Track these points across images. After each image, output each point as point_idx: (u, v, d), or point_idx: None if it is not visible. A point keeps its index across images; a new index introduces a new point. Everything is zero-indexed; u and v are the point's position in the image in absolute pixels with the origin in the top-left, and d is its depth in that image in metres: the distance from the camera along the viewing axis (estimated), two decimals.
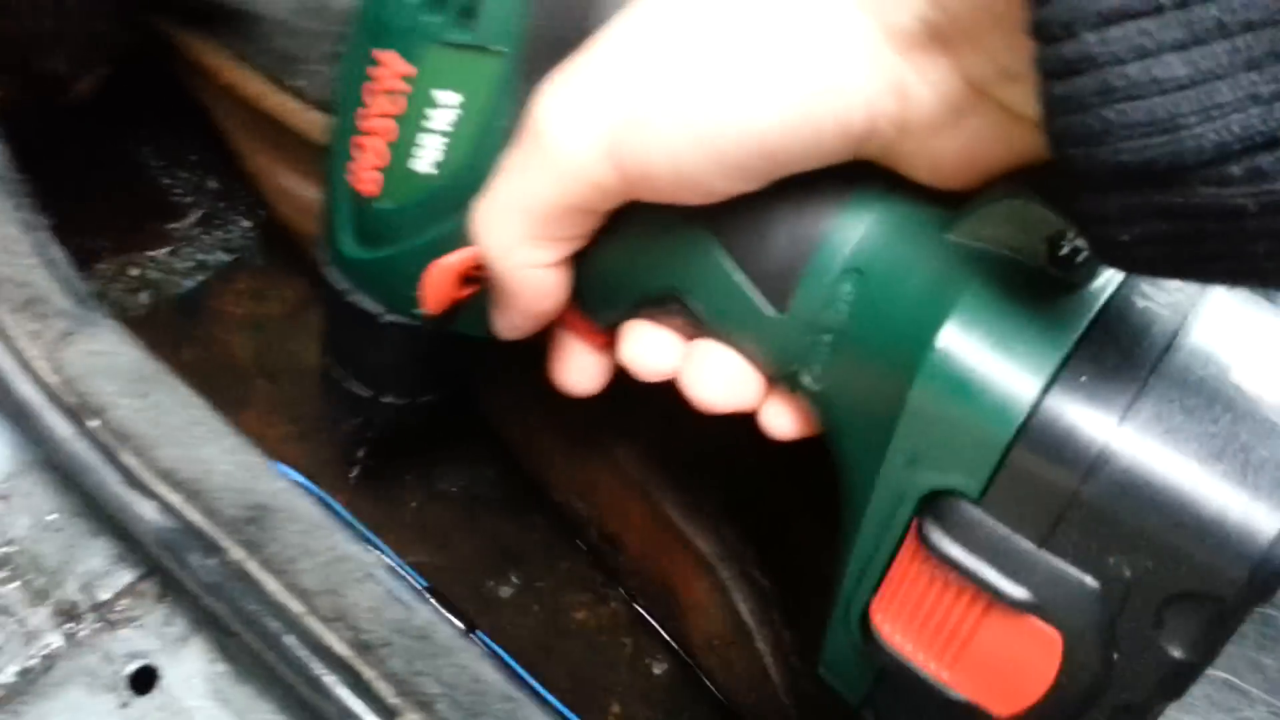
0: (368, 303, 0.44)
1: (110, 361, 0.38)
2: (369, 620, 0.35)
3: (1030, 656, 0.31)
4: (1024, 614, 0.30)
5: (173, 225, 0.91)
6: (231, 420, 0.78)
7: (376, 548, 0.72)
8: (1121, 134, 0.22)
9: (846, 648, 0.36)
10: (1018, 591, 0.30)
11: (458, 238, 0.39)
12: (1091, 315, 0.30)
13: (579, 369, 0.43)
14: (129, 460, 0.37)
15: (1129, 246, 0.24)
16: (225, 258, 0.91)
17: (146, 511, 0.35)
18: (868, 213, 0.34)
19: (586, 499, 0.76)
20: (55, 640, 0.37)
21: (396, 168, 0.39)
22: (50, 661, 0.36)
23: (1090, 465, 0.28)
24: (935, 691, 0.32)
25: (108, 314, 0.40)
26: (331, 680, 0.34)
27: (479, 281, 0.40)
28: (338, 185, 0.41)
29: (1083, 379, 0.29)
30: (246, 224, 0.91)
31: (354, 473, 0.76)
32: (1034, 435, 0.29)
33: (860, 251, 0.33)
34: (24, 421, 0.37)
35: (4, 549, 0.38)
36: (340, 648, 0.35)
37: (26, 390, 0.37)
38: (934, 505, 0.31)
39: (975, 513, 0.30)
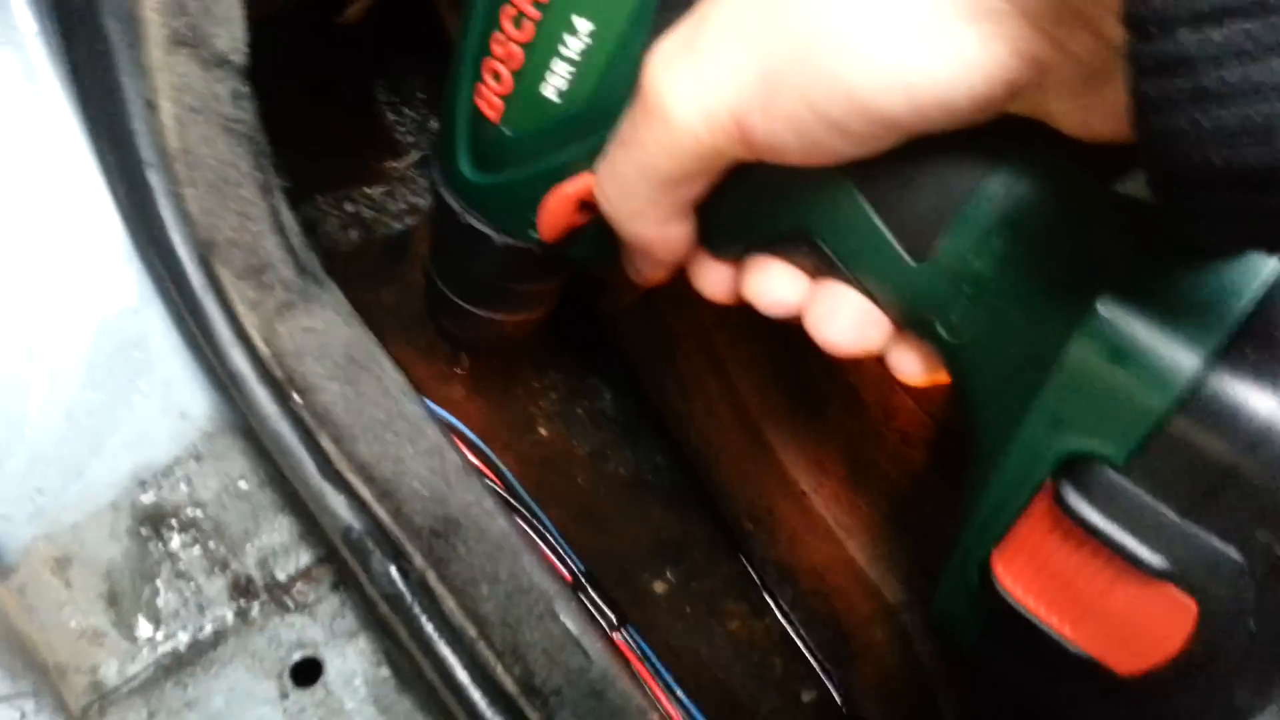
0: (482, 225, 0.44)
1: (323, 341, 0.37)
2: (543, 663, 0.33)
3: (1161, 622, 0.30)
4: (1160, 581, 0.30)
5: (392, 164, 0.91)
6: (417, 368, 0.78)
7: (543, 525, 0.72)
8: (1213, 139, 0.20)
9: (961, 592, 0.35)
10: (1156, 560, 0.30)
11: (576, 165, 0.39)
12: (1262, 284, 0.29)
13: (714, 282, 0.41)
14: (327, 446, 0.35)
15: (1219, 240, 0.24)
16: None
17: (337, 505, 0.34)
18: (1023, 165, 0.32)
19: (760, 521, 0.73)
20: (227, 614, 0.37)
21: (520, 94, 0.38)
22: (219, 637, 0.36)
23: (1253, 440, 0.28)
24: (1053, 644, 0.32)
25: (328, 286, 0.39)
26: (493, 717, 0.32)
27: (594, 209, 0.39)
28: (460, 107, 0.41)
29: (1249, 353, 0.28)
30: None
31: (459, 369, 0.81)
32: (1195, 406, 0.28)
33: (1014, 205, 0.32)
34: (230, 388, 0.36)
35: (191, 510, 0.38)
36: (509, 684, 0.33)
37: (237, 359, 0.36)
38: (1073, 468, 0.31)
39: (1118, 480, 0.30)
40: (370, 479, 0.35)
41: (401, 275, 0.87)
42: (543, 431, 0.86)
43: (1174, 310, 0.29)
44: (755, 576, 0.78)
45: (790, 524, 0.72)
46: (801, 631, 0.74)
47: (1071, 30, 0.26)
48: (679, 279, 0.44)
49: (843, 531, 0.69)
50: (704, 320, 0.75)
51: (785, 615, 0.76)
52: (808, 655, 0.74)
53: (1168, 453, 0.29)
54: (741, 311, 0.43)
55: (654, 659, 0.70)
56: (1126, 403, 0.29)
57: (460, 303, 0.52)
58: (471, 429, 0.70)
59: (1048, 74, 0.28)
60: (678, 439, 0.82)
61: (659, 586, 0.79)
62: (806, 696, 0.75)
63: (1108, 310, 0.29)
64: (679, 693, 0.70)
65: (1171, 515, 0.30)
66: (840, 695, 0.73)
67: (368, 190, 0.90)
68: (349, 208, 0.89)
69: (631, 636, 0.71)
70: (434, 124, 0.91)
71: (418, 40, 0.86)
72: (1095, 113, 0.29)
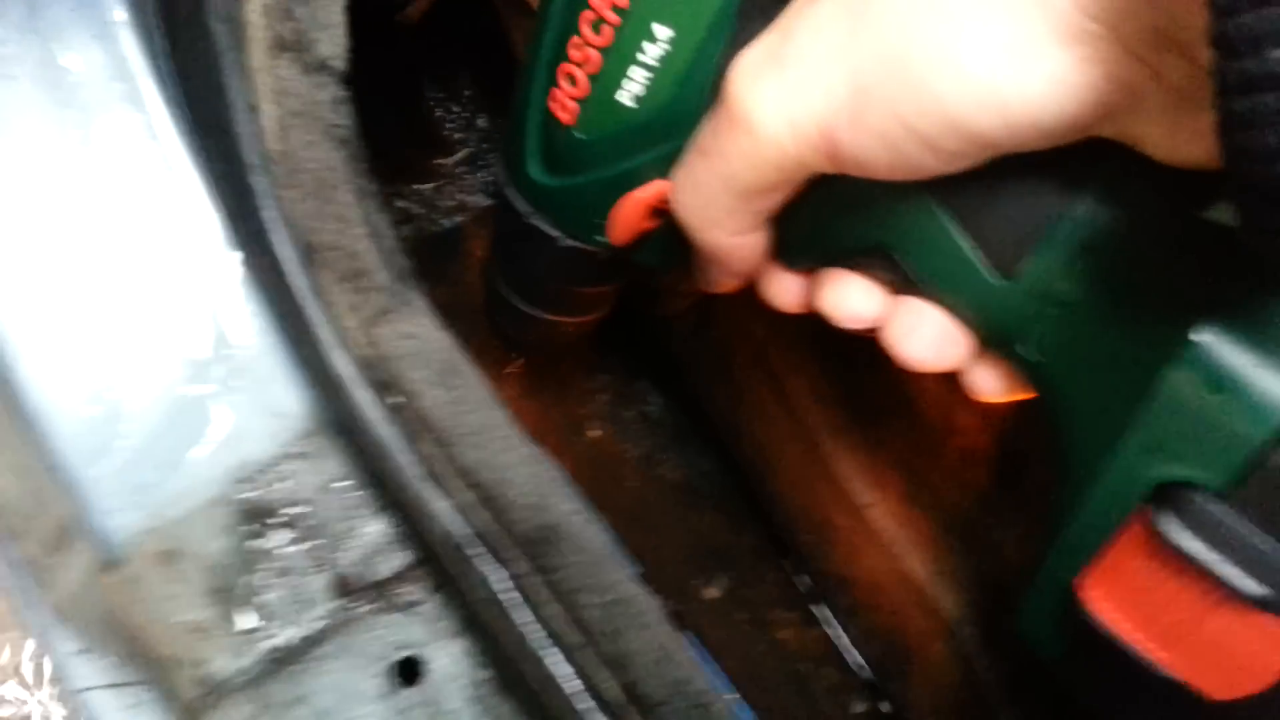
0: (547, 226, 0.43)
1: (420, 346, 0.37)
2: (647, 673, 0.33)
3: (1260, 650, 0.30)
4: (1259, 610, 0.29)
5: (440, 161, 0.91)
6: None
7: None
8: None
9: (1047, 612, 0.35)
10: (1256, 588, 0.29)
11: (649, 170, 0.38)
12: None
13: (784, 292, 0.41)
14: (429, 451, 0.36)
15: None
16: (484, 201, 0.90)
17: (440, 511, 0.34)
18: (1110, 188, 0.32)
19: (816, 532, 0.73)
20: (331, 611, 0.37)
21: (596, 98, 0.38)
22: (324, 634, 0.36)
23: None
24: (1143, 667, 0.32)
25: (422, 292, 0.39)
26: None
27: (664, 215, 0.39)
28: (532, 110, 0.41)
29: None
30: None
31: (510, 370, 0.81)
32: None
33: (1103, 226, 0.32)
34: (333, 390, 0.36)
35: (291, 508, 0.38)
36: (614, 693, 0.33)
37: (340, 362, 0.36)
38: (1169, 495, 0.30)
39: (1217, 507, 0.29)
40: (474, 485, 0.35)
41: (452, 273, 0.87)
42: (592, 434, 0.86)
43: (1271, 339, 0.29)
44: (807, 588, 0.78)
45: (847, 537, 0.72)
46: (854, 644, 0.74)
47: (1165, 55, 0.26)
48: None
49: (901, 546, 0.68)
50: (759, 328, 0.75)
51: (838, 626, 0.76)
52: (860, 668, 0.74)
53: (1267, 482, 0.29)
54: (798, 320, 0.42)
55: (712, 667, 0.70)
56: (1225, 432, 0.29)
57: (520, 304, 0.52)
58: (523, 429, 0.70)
59: (1141, 99, 0.27)
60: (729, 446, 0.82)
61: (710, 592, 0.79)
62: (858, 708, 0.75)
63: (1204, 339, 0.29)
64: (736, 700, 0.70)
65: (1272, 543, 0.29)
66: (893, 710, 0.72)
67: (417, 186, 0.90)
68: (399, 204, 0.89)
69: (689, 644, 0.71)
70: (481, 121, 0.91)
71: (466, 36, 0.87)
72: (1185, 138, 0.29)
